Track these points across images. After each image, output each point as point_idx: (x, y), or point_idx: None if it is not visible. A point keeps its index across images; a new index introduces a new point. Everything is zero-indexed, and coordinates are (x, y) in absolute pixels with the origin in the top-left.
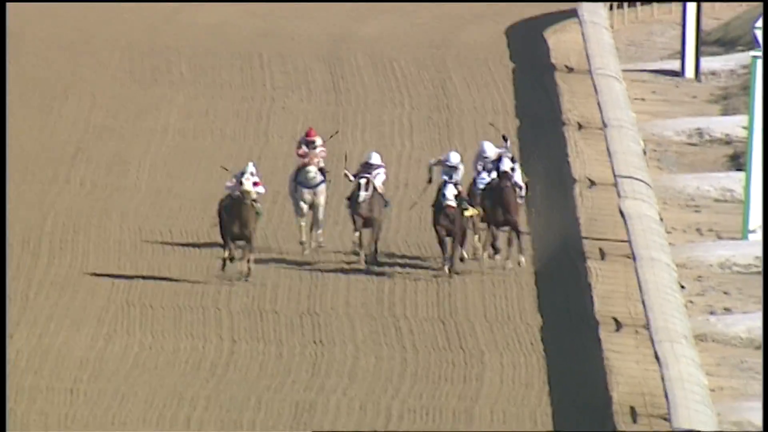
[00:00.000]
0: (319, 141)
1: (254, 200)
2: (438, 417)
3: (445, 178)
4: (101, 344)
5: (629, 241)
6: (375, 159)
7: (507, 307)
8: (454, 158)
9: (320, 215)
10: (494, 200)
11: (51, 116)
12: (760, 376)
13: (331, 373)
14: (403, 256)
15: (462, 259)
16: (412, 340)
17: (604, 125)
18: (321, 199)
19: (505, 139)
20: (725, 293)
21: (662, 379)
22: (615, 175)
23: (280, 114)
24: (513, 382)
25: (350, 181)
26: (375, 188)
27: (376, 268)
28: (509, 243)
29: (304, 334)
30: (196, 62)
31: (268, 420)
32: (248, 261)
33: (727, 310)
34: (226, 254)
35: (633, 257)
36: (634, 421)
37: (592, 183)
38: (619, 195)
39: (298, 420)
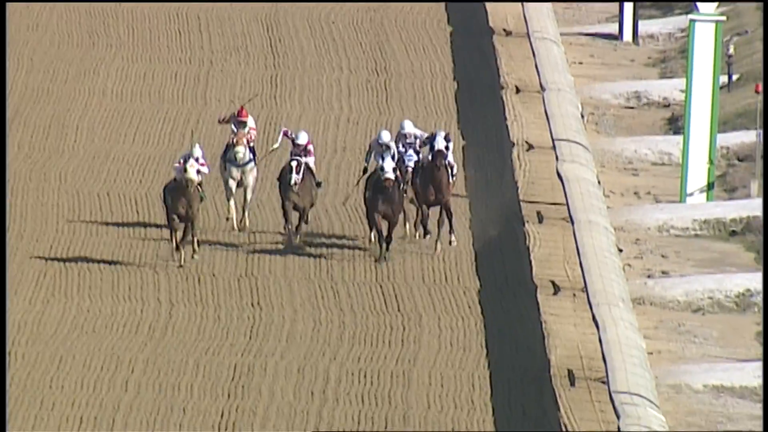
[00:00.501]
0: (251, 122)
1: (198, 185)
2: (376, 380)
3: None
4: (39, 307)
5: (567, 205)
6: (302, 139)
7: (445, 271)
8: (386, 136)
9: (248, 195)
10: (426, 179)
11: None
12: (698, 340)
13: (269, 336)
14: (338, 235)
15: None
16: (349, 303)
17: (542, 88)
18: (250, 179)
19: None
20: (663, 256)
21: (600, 342)
22: (553, 139)
23: (219, 77)
24: (451, 345)
25: (272, 150)
26: (308, 169)
27: (313, 240)
28: (439, 224)
29: (242, 297)
30: (134, 24)
31: (206, 383)
32: (193, 243)
33: (665, 273)
34: (174, 242)
35: (571, 220)
36: (572, 384)
37: (530, 146)
38: (557, 158)
39: (236, 383)
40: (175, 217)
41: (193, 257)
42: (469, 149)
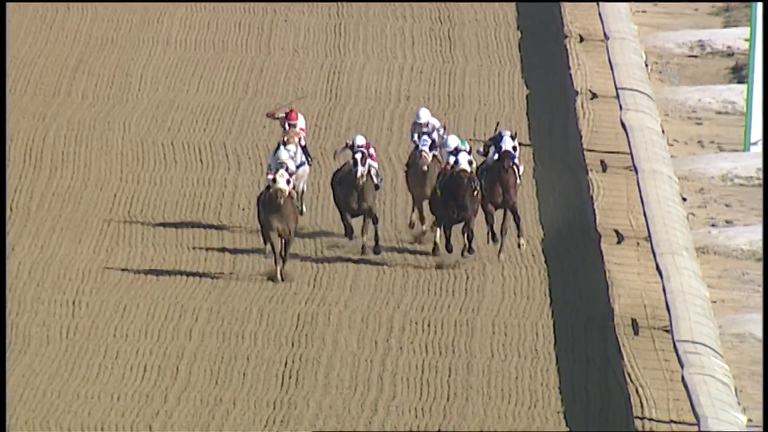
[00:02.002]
0: (301, 122)
1: (289, 195)
2: (439, 329)
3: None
4: (103, 256)
5: (631, 154)
6: (359, 141)
7: (508, 220)
8: (453, 141)
9: (302, 206)
10: (492, 180)
11: (53, 29)
12: (762, 289)
13: (332, 285)
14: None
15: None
16: (413, 252)
17: (606, 37)
18: (301, 185)
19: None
20: (727, 205)
21: (664, 291)
22: (617, 88)
23: (282, 26)
24: (514, 294)
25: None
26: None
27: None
28: (502, 231)
29: (305, 247)
30: None
31: (269, 331)
32: (283, 260)
33: (729, 222)
34: (266, 249)
35: (635, 169)
36: (636, 333)
37: (594, 95)
38: (620, 107)
39: (299, 332)
40: (270, 233)
41: (282, 279)
42: (532, 98)
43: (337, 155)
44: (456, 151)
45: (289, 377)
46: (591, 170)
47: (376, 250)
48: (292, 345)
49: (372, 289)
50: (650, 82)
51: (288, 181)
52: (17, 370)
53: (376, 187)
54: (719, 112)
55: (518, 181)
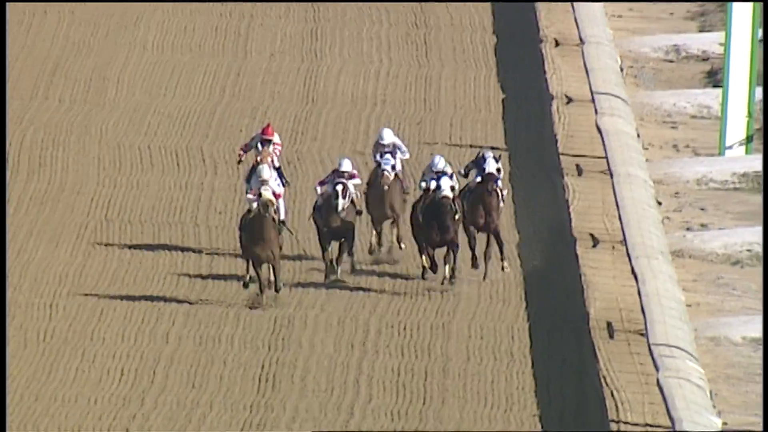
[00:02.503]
0: (276, 139)
1: (278, 218)
2: (416, 332)
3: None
4: (80, 260)
5: (606, 158)
6: (346, 166)
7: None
8: (440, 163)
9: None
10: (475, 202)
11: (30, 32)
12: (737, 292)
13: (309, 288)
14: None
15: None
16: (389, 256)
17: (582, 42)
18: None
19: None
20: (702, 209)
21: (639, 294)
22: (592, 92)
23: (259, 30)
24: (490, 297)
25: (318, 193)
26: (350, 196)
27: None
28: (486, 256)
29: (282, 249)
30: None
31: (246, 335)
32: (275, 283)
33: (704, 226)
34: (248, 276)
35: (610, 173)
36: (611, 336)
37: (570, 100)
38: (596, 111)
39: (276, 335)
40: (251, 256)
41: (277, 292)
42: (508, 102)
43: (325, 184)
44: (439, 175)
45: (266, 380)
46: (567, 174)
47: (352, 268)
48: (269, 348)
49: (348, 293)
50: (626, 86)
51: (274, 193)
52: None
53: (358, 212)
54: (694, 117)
55: (501, 204)
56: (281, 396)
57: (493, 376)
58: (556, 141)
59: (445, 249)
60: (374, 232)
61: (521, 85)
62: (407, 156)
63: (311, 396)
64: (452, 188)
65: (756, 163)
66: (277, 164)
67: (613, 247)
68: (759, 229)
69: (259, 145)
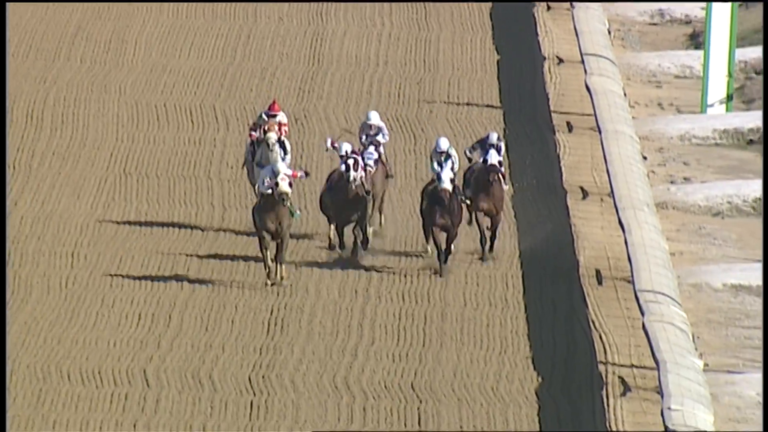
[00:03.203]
0: (282, 117)
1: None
2: (416, 279)
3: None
4: (100, 211)
5: (595, 115)
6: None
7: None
8: (444, 144)
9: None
10: (478, 186)
11: None
12: (717, 242)
13: (315, 239)
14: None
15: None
16: (390, 206)
17: (572, 6)
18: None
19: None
20: (685, 164)
21: (626, 244)
22: (582, 53)
23: None
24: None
25: (331, 149)
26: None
27: None
28: (482, 242)
29: (293, 202)
30: None
31: (256, 281)
32: (280, 263)
33: (687, 179)
34: (269, 261)
35: (599, 130)
36: (600, 283)
37: (561, 60)
38: (585, 72)
39: (287, 276)
40: (265, 234)
41: (281, 281)
42: (503, 63)
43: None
44: (444, 157)
45: (275, 324)
46: (558, 131)
47: (361, 254)
48: (277, 294)
49: (353, 244)
50: (613, 48)
51: (290, 185)
52: (20, 318)
53: (367, 193)
54: (677, 76)
55: (504, 188)
56: (289, 339)
57: (488, 320)
58: (548, 99)
59: (445, 235)
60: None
61: (515, 46)
62: (387, 140)
63: (317, 339)
64: (452, 180)
65: (736, 120)
66: (282, 138)
67: (602, 200)
68: (738, 183)
69: (265, 116)
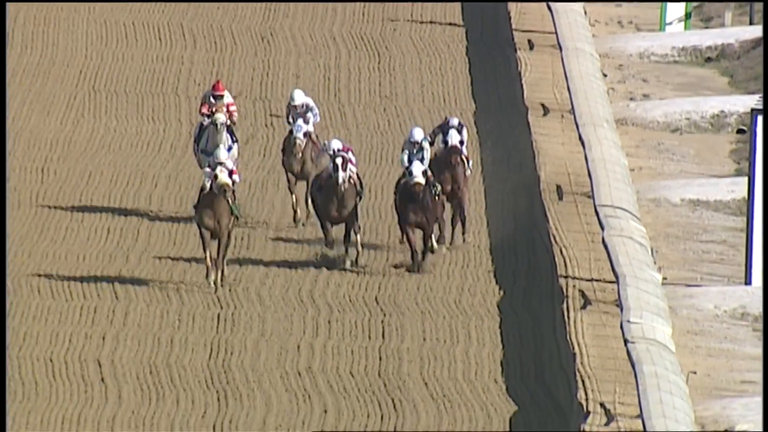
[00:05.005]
0: (228, 97)
1: (232, 194)
2: (380, 195)
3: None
4: (69, 127)
5: (556, 33)
6: (336, 144)
7: (443, 93)
8: (418, 134)
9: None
10: (440, 170)
11: None
12: (676, 157)
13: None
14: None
15: (432, 251)
16: (355, 123)
17: None
18: (231, 176)
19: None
20: (644, 81)
21: (586, 159)
22: None
23: None
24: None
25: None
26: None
27: None
28: (453, 223)
29: (256, 118)
30: None
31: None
32: (221, 268)
33: (646, 96)
34: (208, 261)
35: (559, 48)
36: (560, 198)
37: None
38: None
39: (251, 194)
40: (203, 232)
41: (222, 283)
42: None
43: (315, 161)
44: (417, 148)
45: (241, 239)
46: (519, 48)
47: (357, 260)
48: (252, 196)
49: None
50: None
51: (230, 175)
52: None
53: (358, 194)
54: None
55: (468, 171)
56: (255, 253)
57: (451, 236)
58: (510, 18)
59: (420, 233)
60: (293, 198)
61: None
62: (318, 119)
63: (283, 252)
64: (424, 173)
65: (694, 38)
66: (229, 123)
67: (562, 116)
68: (696, 99)
69: (211, 98)
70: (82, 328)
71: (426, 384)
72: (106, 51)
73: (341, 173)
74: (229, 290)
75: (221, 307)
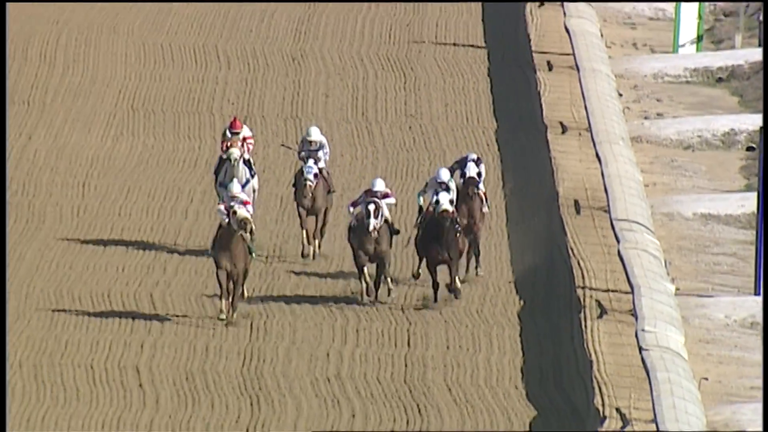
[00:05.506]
0: (246, 132)
1: (251, 227)
2: (412, 207)
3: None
4: (109, 144)
5: (574, 55)
6: (379, 186)
7: (466, 112)
8: (444, 175)
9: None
10: (458, 204)
11: None
12: (688, 173)
13: None
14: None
15: (456, 296)
16: (382, 141)
17: None
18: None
19: None
20: (658, 100)
21: (602, 175)
22: None
23: None
24: None
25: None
26: (383, 216)
27: None
28: (468, 258)
29: (287, 137)
30: None
31: (257, 208)
32: (236, 305)
33: (660, 115)
34: (222, 304)
35: (577, 68)
36: (578, 212)
37: (542, 3)
38: (564, 14)
39: (283, 208)
40: (219, 273)
41: (233, 318)
42: (487, 7)
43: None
44: (443, 188)
45: (273, 251)
46: (539, 69)
47: (389, 294)
48: (275, 222)
49: (347, 172)
50: None
51: (248, 211)
52: (34, 245)
53: (396, 232)
54: (651, 18)
55: (484, 208)
56: (287, 266)
57: (466, 269)
58: (530, 40)
59: (446, 267)
60: (303, 233)
61: None
62: (328, 157)
63: (313, 264)
64: (451, 201)
65: (706, 59)
66: (246, 157)
67: (580, 134)
68: (707, 118)
69: (228, 132)
70: (121, 336)
71: (449, 390)
72: (144, 71)
73: (372, 220)
74: (262, 301)
75: (254, 317)
